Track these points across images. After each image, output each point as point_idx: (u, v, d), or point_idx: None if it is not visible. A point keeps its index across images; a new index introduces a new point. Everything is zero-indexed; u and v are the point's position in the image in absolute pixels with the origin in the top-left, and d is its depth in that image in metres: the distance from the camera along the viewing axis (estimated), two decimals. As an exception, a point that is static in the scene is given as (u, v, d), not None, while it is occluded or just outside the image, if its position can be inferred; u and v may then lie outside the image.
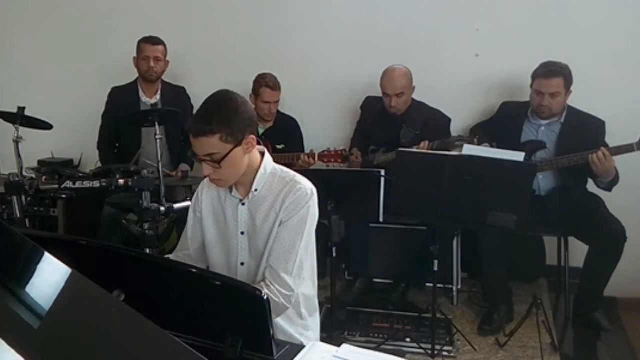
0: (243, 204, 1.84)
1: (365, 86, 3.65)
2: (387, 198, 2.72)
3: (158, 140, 2.90)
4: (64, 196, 2.90)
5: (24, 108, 2.96)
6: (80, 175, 2.96)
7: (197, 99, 3.44)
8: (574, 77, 3.08)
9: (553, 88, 3.06)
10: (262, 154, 1.85)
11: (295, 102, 3.78)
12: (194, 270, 1.40)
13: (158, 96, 3.63)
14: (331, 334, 2.87)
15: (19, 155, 2.93)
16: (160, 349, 0.93)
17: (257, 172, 1.81)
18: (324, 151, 3.34)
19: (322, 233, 2.94)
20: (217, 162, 1.70)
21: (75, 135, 3.97)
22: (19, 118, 2.95)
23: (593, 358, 3.02)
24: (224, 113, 1.68)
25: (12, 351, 0.93)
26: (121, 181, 2.80)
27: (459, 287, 3.41)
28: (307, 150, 3.52)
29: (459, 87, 3.61)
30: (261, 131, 3.61)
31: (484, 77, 3.58)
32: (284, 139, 3.63)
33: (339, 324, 3.04)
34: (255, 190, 1.81)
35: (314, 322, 1.96)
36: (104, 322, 0.99)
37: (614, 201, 3.12)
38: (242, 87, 3.45)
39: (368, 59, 3.63)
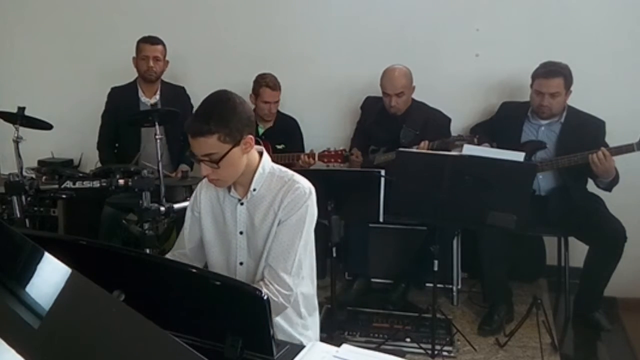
0: (242, 204, 1.84)
1: (365, 86, 3.65)
2: (387, 198, 2.72)
3: (158, 140, 2.90)
4: (64, 196, 2.90)
5: (24, 108, 2.96)
6: (80, 175, 2.96)
7: (197, 99, 3.41)
8: (574, 77, 3.08)
9: (553, 88, 3.06)
10: (260, 154, 1.85)
11: (295, 102, 3.78)
12: (194, 270, 1.40)
13: (157, 96, 3.62)
14: (331, 334, 2.88)
15: (19, 155, 2.93)
16: (160, 349, 0.93)
17: (255, 172, 1.81)
18: (324, 151, 3.34)
19: (322, 233, 2.96)
20: (216, 162, 1.70)
21: (75, 135, 3.97)
22: (19, 118, 2.95)
23: (593, 358, 3.02)
24: (222, 113, 1.68)
25: (12, 351, 0.93)
26: (121, 181, 2.80)
27: (459, 287, 3.41)
28: (307, 150, 3.52)
29: (459, 87, 3.61)
30: (261, 131, 3.61)
31: (484, 77, 3.58)
32: (284, 139, 3.63)
33: (339, 324, 3.04)
34: (254, 190, 1.82)
35: (314, 321, 1.97)
36: (104, 322, 0.99)
37: (614, 201, 3.12)
38: (242, 87, 3.45)
39: (368, 59, 3.63)
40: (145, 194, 2.76)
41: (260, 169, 1.81)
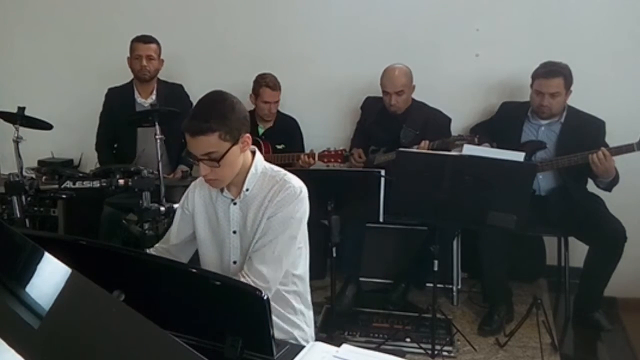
0: (235, 204, 1.85)
1: (365, 86, 3.65)
2: (387, 198, 2.72)
3: (158, 140, 2.90)
4: (64, 196, 2.90)
5: (24, 108, 2.96)
6: (80, 175, 2.96)
7: (197, 100, 3.43)
8: (574, 77, 3.08)
9: (553, 88, 3.06)
10: (253, 153, 1.86)
11: (295, 102, 3.78)
12: (194, 270, 1.41)
13: (154, 96, 3.56)
14: (331, 334, 2.88)
15: (19, 155, 2.93)
16: (160, 349, 0.93)
17: (248, 172, 1.82)
18: (324, 151, 3.34)
19: (322, 233, 2.97)
20: (216, 161, 1.70)
21: (75, 135, 3.97)
22: (19, 118, 2.95)
23: (593, 358, 3.01)
24: (221, 111, 1.69)
25: (12, 351, 0.93)
26: (121, 181, 2.81)
27: (459, 287, 3.41)
28: (307, 150, 3.52)
29: (459, 87, 3.60)
30: (261, 131, 3.61)
31: (484, 77, 3.58)
32: (284, 139, 3.63)
33: (339, 324, 3.04)
34: (247, 190, 1.82)
35: (309, 318, 1.98)
36: (104, 322, 0.99)
37: (614, 201, 3.12)
38: (242, 87, 3.45)
39: (368, 59, 3.63)
40: (145, 194, 2.76)
41: (252, 169, 1.82)
